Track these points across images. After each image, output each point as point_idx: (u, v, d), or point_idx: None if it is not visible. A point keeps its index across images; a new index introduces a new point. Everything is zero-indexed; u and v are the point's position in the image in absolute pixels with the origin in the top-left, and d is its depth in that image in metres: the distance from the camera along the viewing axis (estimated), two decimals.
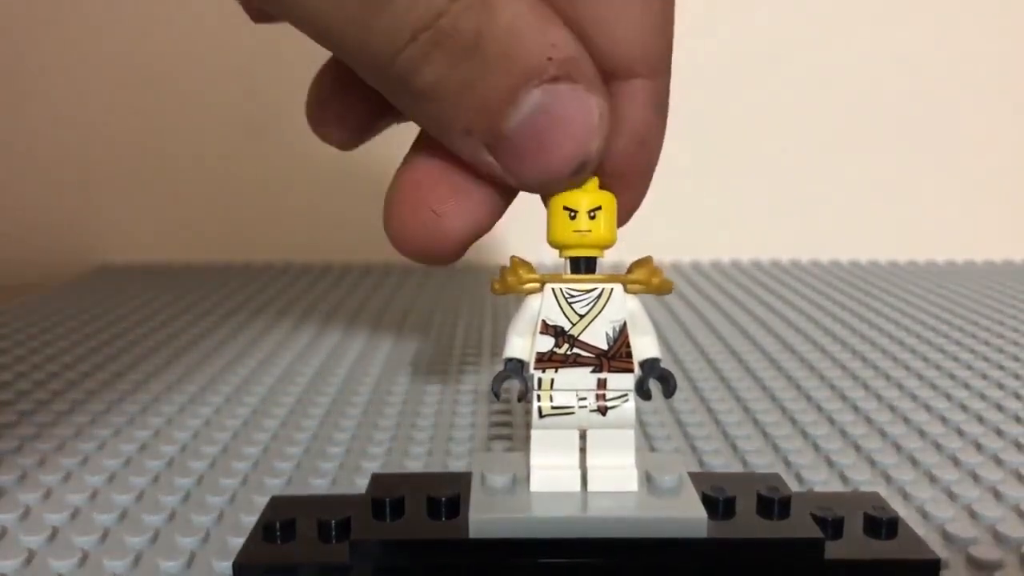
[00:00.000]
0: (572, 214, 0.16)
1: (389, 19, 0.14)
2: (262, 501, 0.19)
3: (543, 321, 0.16)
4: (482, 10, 0.15)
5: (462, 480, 0.17)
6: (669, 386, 0.17)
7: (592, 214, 0.16)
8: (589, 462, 0.16)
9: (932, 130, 0.51)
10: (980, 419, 0.25)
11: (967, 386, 0.28)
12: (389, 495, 0.16)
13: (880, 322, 0.36)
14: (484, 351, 0.32)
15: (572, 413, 0.16)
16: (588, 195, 0.16)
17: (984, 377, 0.29)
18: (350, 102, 0.21)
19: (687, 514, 0.16)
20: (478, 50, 0.15)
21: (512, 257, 0.17)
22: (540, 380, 0.16)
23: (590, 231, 0.16)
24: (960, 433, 0.24)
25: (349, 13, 0.14)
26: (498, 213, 0.18)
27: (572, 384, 0.16)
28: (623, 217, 0.19)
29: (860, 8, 0.50)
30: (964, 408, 0.26)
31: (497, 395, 0.17)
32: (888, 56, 0.50)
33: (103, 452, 0.22)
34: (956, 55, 0.50)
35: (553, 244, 0.17)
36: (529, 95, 0.15)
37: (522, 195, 0.18)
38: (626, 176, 0.18)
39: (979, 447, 0.23)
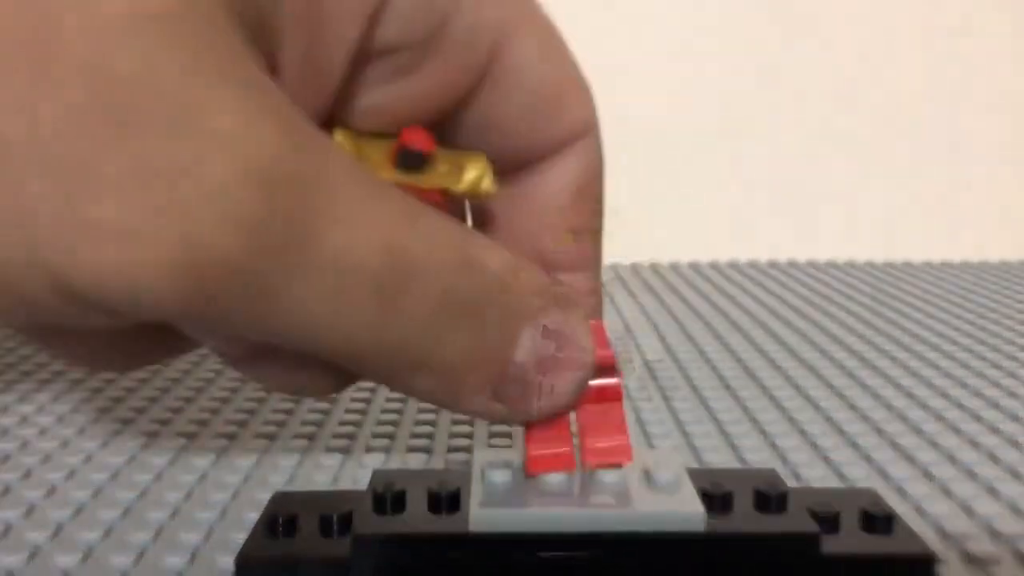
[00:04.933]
0: None
1: (409, 307, 0.14)
2: (264, 497, 0.19)
3: None
4: (479, 272, 0.15)
5: (463, 475, 0.17)
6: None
7: None
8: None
9: (931, 130, 0.51)
10: (976, 417, 0.25)
11: (963, 384, 0.28)
12: (390, 490, 0.16)
13: (876, 321, 0.36)
14: None
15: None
16: None
17: (981, 375, 0.29)
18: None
19: (685, 509, 0.16)
20: (485, 309, 0.15)
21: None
22: None
23: None
24: (956, 430, 0.24)
25: (368, 317, 0.13)
26: None
27: None
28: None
29: (860, 6, 0.50)
30: (960, 406, 0.26)
31: None
32: (887, 56, 0.50)
33: (107, 449, 0.23)
34: (956, 54, 0.50)
35: None
36: (527, 336, 0.15)
37: None
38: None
39: (975, 444, 0.23)
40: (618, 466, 0.16)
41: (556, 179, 0.18)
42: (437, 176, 0.16)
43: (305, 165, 0.12)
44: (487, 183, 0.17)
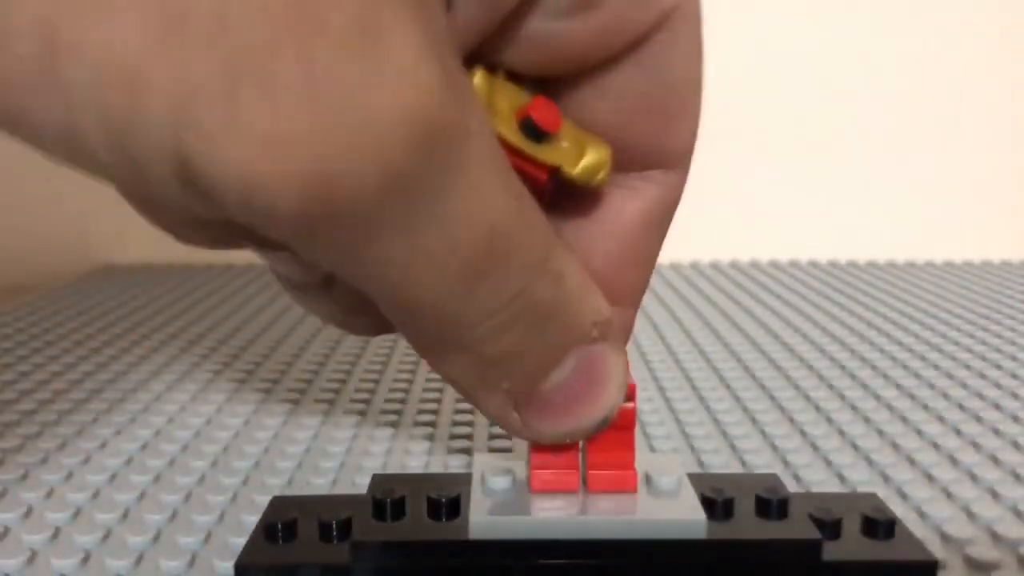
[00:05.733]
0: None
1: (486, 291, 0.14)
2: (263, 501, 0.19)
3: None
4: (557, 281, 0.14)
5: (462, 481, 0.17)
6: None
7: None
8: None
9: (931, 130, 0.51)
10: (978, 419, 0.25)
11: (965, 385, 0.28)
12: (390, 496, 0.16)
13: (878, 322, 0.36)
14: None
15: None
16: None
17: (982, 376, 0.29)
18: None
19: (686, 515, 0.16)
20: (548, 320, 0.14)
21: None
22: None
23: None
24: (958, 433, 0.24)
25: (448, 287, 0.13)
26: None
27: None
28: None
29: (863, 9, 0.50)
30: (962, 407, 0.26)
31: None
32: (887, 56, 0.50)
33: (105, 451, 0.23)
34: (956, 54, 0.50)
35: None
36: (571, 357, 0.15)
37: None
38: None
39: (977, 447, 0.23)
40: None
41: (637, 202, 0.17)
42: (557, 152, 0.15)
43: (454, 116, 0.12)
44: (603, 174, 0.16)
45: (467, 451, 0.23)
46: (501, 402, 0.15)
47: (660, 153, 0.17)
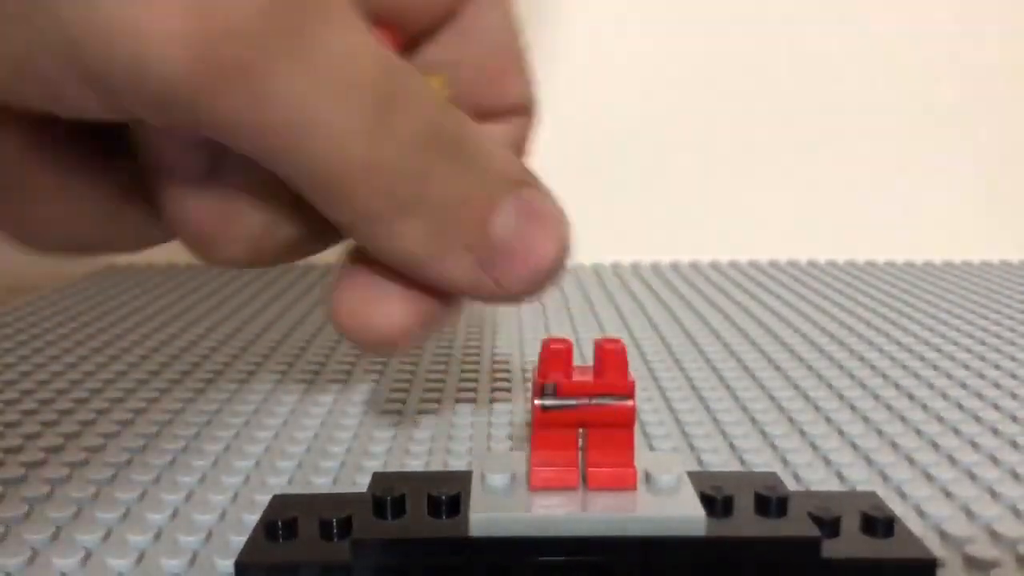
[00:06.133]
0: None
1: (400, 122, 0.14)
2: (264, 500, 0.19)
3: None
4: (462, 121, 0.15)
5: (462, 479, 0.17)
6: None
7: None
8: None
9: (930, 130, 0.51)
10: (977, 418, 0.25)
11: (964, 385, 0.28)
12: (390, 494, 0.16)
13: (877, 322, 0.36)
14: (484, 351, 0.32)
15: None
16: None
17: (981, 376, 0.29)
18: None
19: (686, 513, 0.16)
20: (470, 158, 0.15)
21: None
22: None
23: None
24: (957, 432, 0.24)
25: (362, 120, 0.13)
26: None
27: None
28: None
29: (864, 8, 0.50)
30: (961, 407, 0.26)
31: None
32: (886, 55, 0.50)
33: (106, 450, 0.23)
34: (956, 53, 0.50)
35: None
36: (508, 202, 0.15)
37: None
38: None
39: (976, 446, 0.23)
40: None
41: (497, 11, 0.19)
42: None
43: None
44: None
45: (467, 451, 0.23)
46: (468, 264, 0.15)
47: (502, 110, 0.19)
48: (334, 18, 0.13)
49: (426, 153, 0.14)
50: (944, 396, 0.27)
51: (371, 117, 0.13)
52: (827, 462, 0.22)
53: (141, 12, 0.11)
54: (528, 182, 0.16)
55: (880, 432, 0.24)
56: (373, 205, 0.14)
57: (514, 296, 0.16)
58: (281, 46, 0.12)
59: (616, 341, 0.16)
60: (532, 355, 0.31)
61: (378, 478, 0.18)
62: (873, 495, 0.18)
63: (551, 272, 0.16)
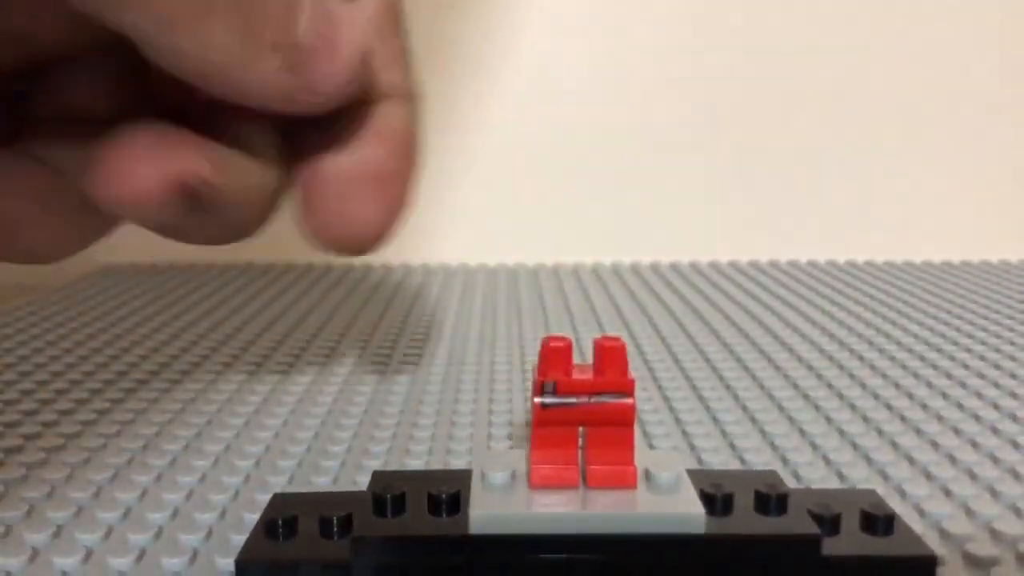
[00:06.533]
0: None
1: None
2: (264, 499, 0.19)
3: None
4: None
5: (463, 477, 0.17)
6: None
7: None
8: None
9: (930, 130, 0.51)
10: (976, 417, 0.25)
11: (963, 385, 0.28)
12: (390, 492, 0.16)
13: (877, 321, 0.36)
14: (483, 351, 0.32)
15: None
16: None
17: (980, 376, 0.29)
18: None
19: (685, 511, 0.16)
20: None
21: None
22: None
23: None
24: (957, 431, 0.24)
25: None
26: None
27: None
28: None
29: (865, 8, 0.50)
30: (960, 406, 0.26)
31: None
32: (885, 55, 0.50)
33: (106, 450, 0.23)
34: (955, 53, 0.50)
35: None
36: (307, 4, 0.16)
37: None
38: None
39: (976, 445, 0.23)
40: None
41: None
42: None
43: None
44: None
45: (467, 450, 0.23)
46: (277, 67, 0.15)
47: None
48: None
49: None
50: (944, 395, 0.27)
51: None
52: (827, 461, 0.22)
53: None
54: None
55: (880, 431, 0.24)
56: (175, 4, 0.14)
57: (325, 98, 0.16)
58: None
59: (616, 339, 0.16)
60: (532, 353, 0.31)
61: (378, 476, 0.18)
62: (873, 493, 0.18)
63: (359, 68, 0.16)
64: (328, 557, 0.16)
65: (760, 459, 0.22)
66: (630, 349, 0.31)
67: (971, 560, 0.17)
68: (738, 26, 0.49)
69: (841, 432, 0.24)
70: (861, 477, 0.21)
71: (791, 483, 0.21)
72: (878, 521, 0.17)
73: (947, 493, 0.20)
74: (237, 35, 0.15)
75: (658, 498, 0.16)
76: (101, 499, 0.20)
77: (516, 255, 0.49)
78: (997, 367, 0.30)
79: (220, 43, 0.15)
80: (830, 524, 0.16)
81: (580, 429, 0.17)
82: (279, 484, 0.21)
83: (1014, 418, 0.25)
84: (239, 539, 0.17)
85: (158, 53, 0.15)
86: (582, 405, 0.16)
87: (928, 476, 0.21)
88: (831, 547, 0.16)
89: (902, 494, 0.20)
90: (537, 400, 0.16)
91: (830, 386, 0.28)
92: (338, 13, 0.16)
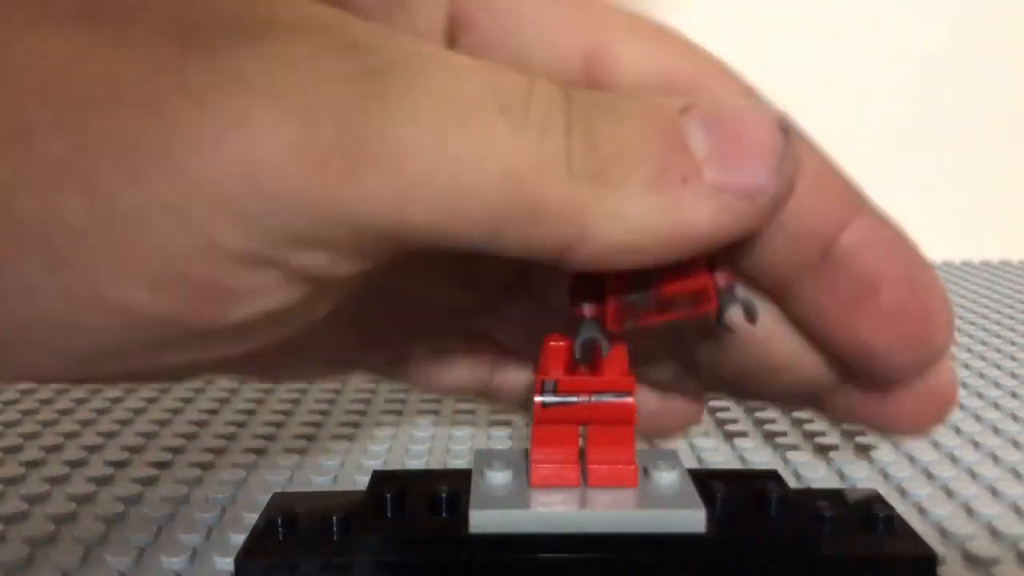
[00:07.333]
0: None
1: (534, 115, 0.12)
2: (264, 498, 0.19)
3: None
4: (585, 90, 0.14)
5: (462, 476, 0.17)
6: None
7: None
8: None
9: (931, 131, 0.51)
10: (977, 417, 0.25)
11: (964, 384, 0.28)
12: (390, 491, 0.16)
13: None
14: None
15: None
16: None
17: (981, 376, 0.29)
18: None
19: (686, 510, 0.16)
20: (613, 103, 0.13)
21: None
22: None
23: None
24: (957, 431, 0.24)
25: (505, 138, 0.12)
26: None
27: None
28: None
29: (866, 9, 0.50)
30: (961, 406, 0.26)
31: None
32: (889, 56, 0.50)
33: (105, 449, 0.23)
34: (955, 55, 0.50)
35: None
36: (686, 116, 0.14)
37: None
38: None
39: (976, 445, 0.23)
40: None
41: None
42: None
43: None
44: None
45: (467, 451, 0.23)
46: (700, 194, 0.13)
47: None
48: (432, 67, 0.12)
49: (582, 116, 0.13)
50: None
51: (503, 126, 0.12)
52: (828, 461, 0.22)
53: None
54: (690, 103, 0.14)
55: None
56: (570, 200, 0.12)
57: (759, 198, 0.14)
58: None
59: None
60: None
61: (378, 476, 0.18)
62: (874, 492, 0.18)
63: (779, 147, 0.14)
64: (328, 556, 0.16)
65: (760, 458, 0.22)
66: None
67: (971, 559, 0.17)
68: (739, 27, 0.49)
69: (841, 431, 0.24)
70: (862, 477, 0.21)
71: (791, 483, 0.21)
72: (879, 520, 0.16)
73: (948, 493, 0.20)
74: (640, 190, 0.13)
75: (658, 498, 0.16)
76: (100, 498, 0.20)
77: None
78: (998, 367, 0.30)
79: (628, 210, 0.13)
80: (831, 523, 0.16)
81: (580, 428, 0.17)
82: (279, 484, 0.21)
83: (1015, 418, 0.25)
84: (239, 538, 0.17)
85: (563, 255, 0.13)
86: (582, 404, 0.16)
87: (929, 476, 0.21)
88: (832, 546, 0.16)
89: (903, 493, 0.20)
90: (537, 399, 0.16)
91: None
92: (721, 112, 0.14)
